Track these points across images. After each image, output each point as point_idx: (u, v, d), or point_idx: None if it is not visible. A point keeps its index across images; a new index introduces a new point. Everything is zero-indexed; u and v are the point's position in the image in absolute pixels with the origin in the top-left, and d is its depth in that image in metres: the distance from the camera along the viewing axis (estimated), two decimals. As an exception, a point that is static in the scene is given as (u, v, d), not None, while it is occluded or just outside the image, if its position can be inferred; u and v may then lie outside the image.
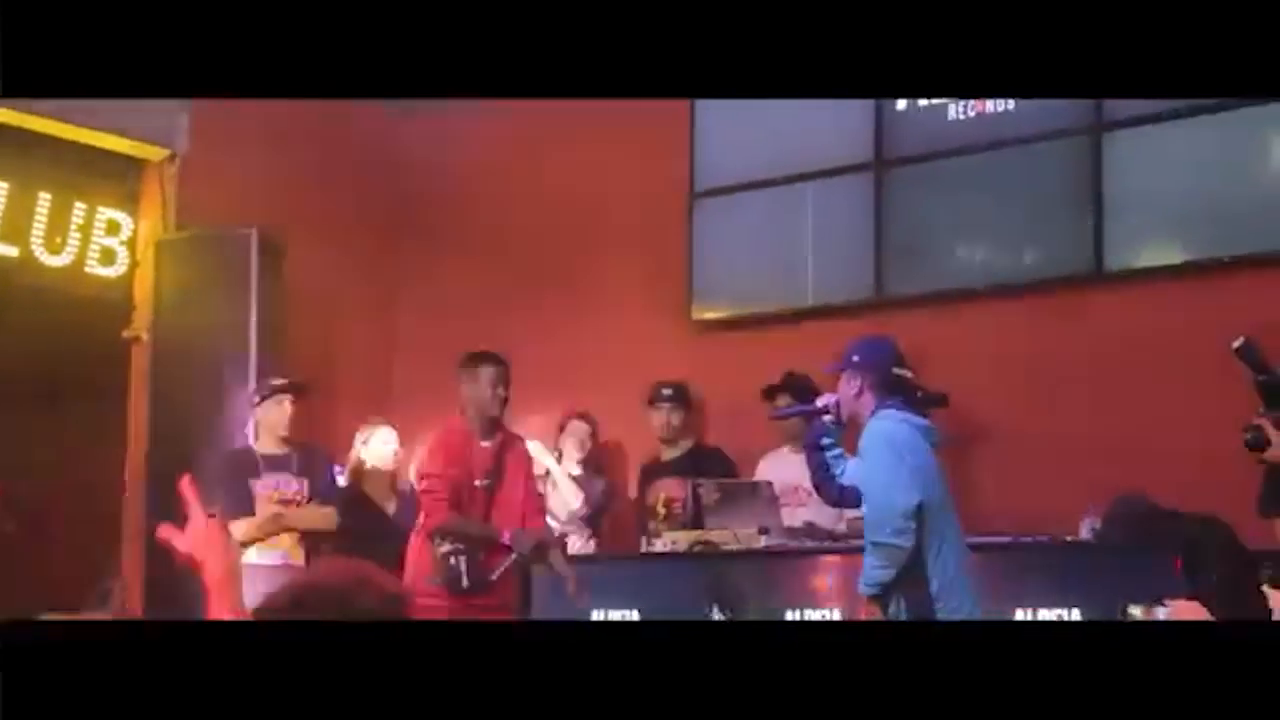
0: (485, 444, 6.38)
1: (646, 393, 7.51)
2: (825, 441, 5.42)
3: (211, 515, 2.83)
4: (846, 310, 7.51)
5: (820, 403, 5.43)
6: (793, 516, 6.77)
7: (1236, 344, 4.46)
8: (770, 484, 6.75)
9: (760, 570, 6.36)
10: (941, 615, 4.94)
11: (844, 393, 5.27)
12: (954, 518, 5.15)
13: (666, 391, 7.47)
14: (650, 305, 8.04)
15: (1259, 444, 4.33)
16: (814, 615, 6.15)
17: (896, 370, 5.33)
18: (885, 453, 5.08)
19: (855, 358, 5.28)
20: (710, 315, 7.96)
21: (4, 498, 8.24)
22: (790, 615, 6.15)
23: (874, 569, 5.05)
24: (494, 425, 6.40)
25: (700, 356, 7.76)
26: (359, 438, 7.32)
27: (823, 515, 6.77)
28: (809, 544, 6.57)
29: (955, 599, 4.99)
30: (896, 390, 5.28)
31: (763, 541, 6.43)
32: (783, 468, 7.02)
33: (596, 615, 6.46)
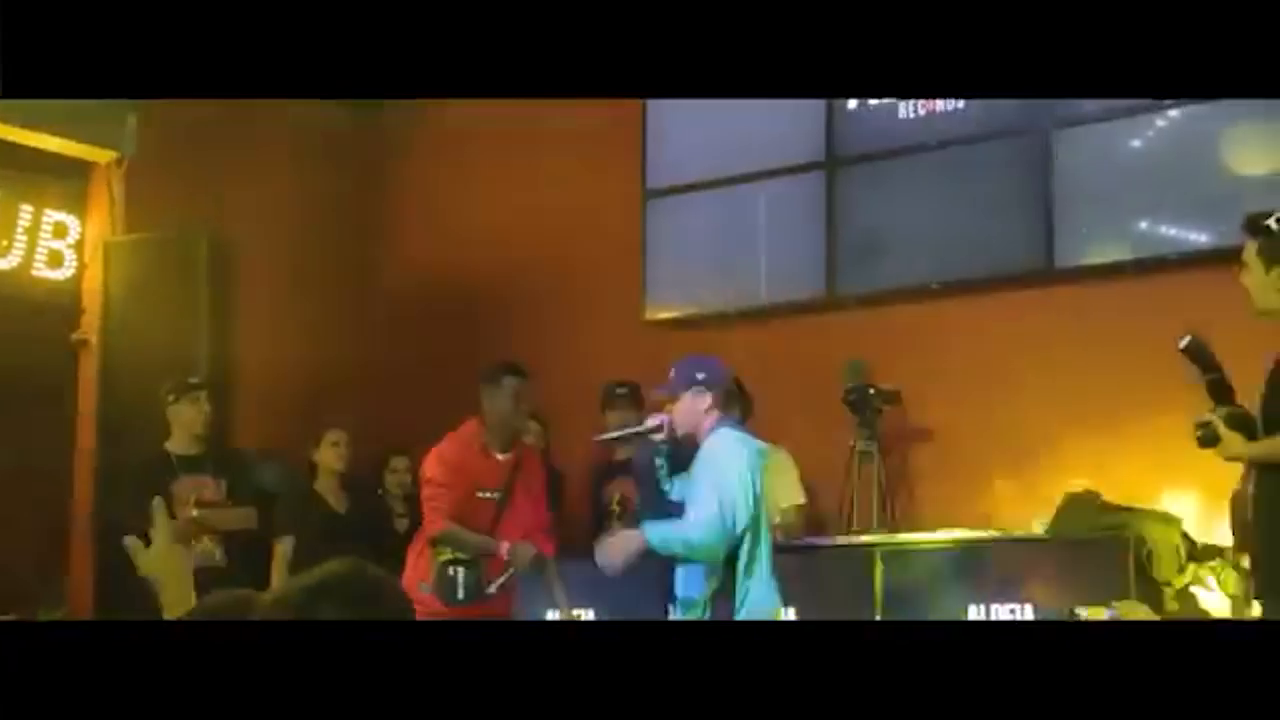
0: (500, 457, 6.13)
1: (600, 393, 7.32)
2: (659, 462, 5.28)
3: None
4: (799, 308, 7.51)
5: (652, 422, 5.26)
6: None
7: (1183, 342, 4.42)
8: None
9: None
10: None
11: (689, 411, 5.13)
12: (767, 533, 5.10)
13: (620, 391, 7.25)
14: (603, 306, 7.98)
15: (1210, 441, 4.29)
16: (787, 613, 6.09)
17: (731, 388, 5.37)
18: (729, 468, 5.02)
19: (700, 376, 5.18)
20: (664, 315, 7.90)
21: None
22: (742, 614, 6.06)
23: (669, 535, 4.98)
24: (513, 438, 6.16)
25: (654, 356, 7.60)
26: (312, 440, 7.17)
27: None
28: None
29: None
30: (731, 408, 5.31)
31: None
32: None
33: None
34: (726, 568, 4.95)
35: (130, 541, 2.75)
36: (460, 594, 5.93)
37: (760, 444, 5.22)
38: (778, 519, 6.37)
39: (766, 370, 7.10)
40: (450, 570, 5.98)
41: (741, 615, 4.92)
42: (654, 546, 4.98)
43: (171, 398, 6.74)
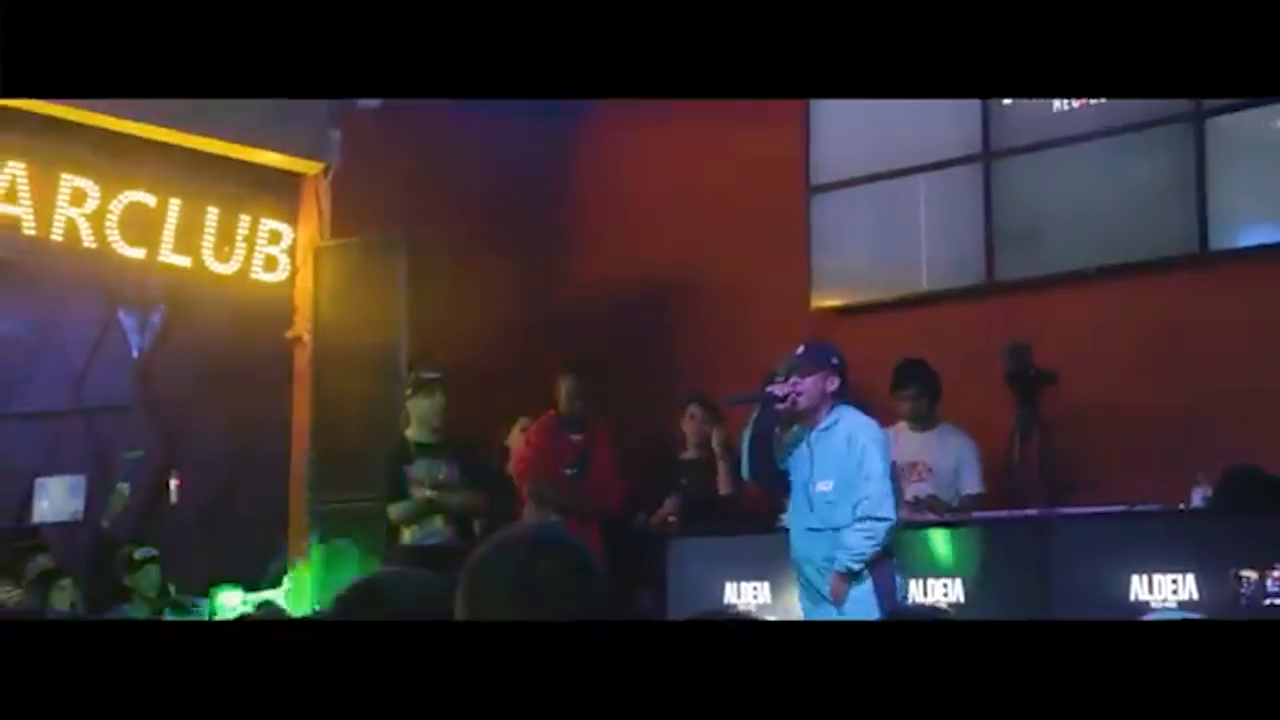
0: (575, 437, 6.85)
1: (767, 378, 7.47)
2: (776, 430, 5.51)
3: None
4: (959, 295, 7.52)
5: (780, 392, 5.42)
6: (912, 491, 6.72)
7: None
8: (893, 463, 6.70)
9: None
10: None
11: (816, 389, 5.40)
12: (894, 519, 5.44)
13: (776, 374, 7.39)
14: (773, 295, 8.03)
15: None
16: (935, 584, 6.14)
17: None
18: (880, 440, 5.40)
19: (834, 360, 5.50)
20: (830, 303, 7.94)
21: (183, 488, 8.53)
22: (912, 585, 6.09)
23: (864, 543, 5.28)
24: (581, 421, 6.92)
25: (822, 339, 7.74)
26: (505, 426, 7.49)
27: (939, 487, 6.77)
28: (930, 517, 6.53)
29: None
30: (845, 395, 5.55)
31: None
32: (902, 445, 6.90)
33: (729, 588, 6.54)
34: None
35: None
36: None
37: (872, 420, 5.53)
38: (956, 504, 6.64)
39: (928, 354, 7.08)
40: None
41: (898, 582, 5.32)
42: (853, 566, 5.26)
43: (409, 391, 7.04)
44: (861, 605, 5.24)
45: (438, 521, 6.79)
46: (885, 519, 5.31)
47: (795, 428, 5.52)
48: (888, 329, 7.60)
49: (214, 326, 8.22)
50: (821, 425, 5.44)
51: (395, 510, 6.78)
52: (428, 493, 6.79)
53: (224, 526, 8.41)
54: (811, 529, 5.43)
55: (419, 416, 6.97)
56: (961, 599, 6.05)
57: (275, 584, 7.89)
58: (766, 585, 6.45)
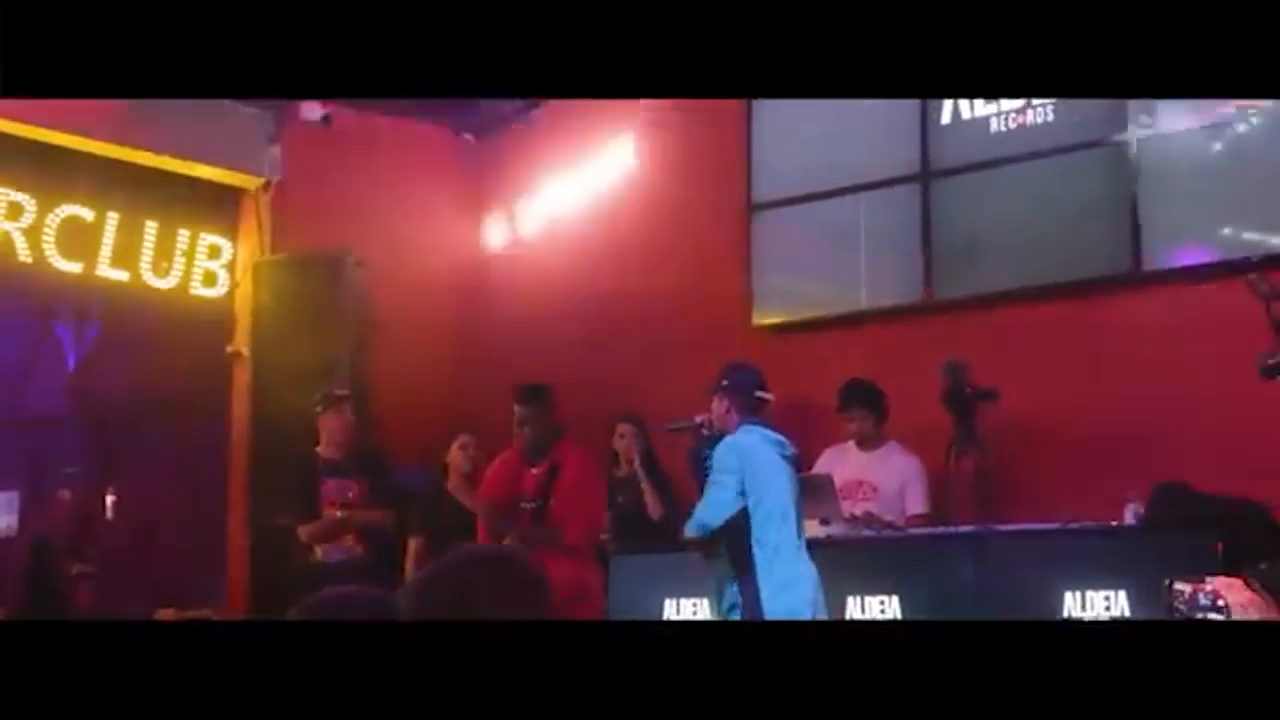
0: (534, 470, 6.50)
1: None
2: (705, 453, 5.75)
3: None
4: (898, 313, 7.56)
5: (698, 420, 5.82)
6: (854, 509, 6.78)
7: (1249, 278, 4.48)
8: (830, 477, 6.73)
9: (820, 559, 6.33)
10: (774, 613, 5.47)
11: (719, 410, 5.75)
12: (795, 525, 5.68)
13: (725, 381, 7.37)
14: (713, 312, 8.07)
15: (1276, 372, 4.35)
16: (872, 600, 6.18)
17: (758, 394, 5.86)
18: (719, 455, 5.64)
19: (725, 382, 5.81)
20: (770, 320, 7.98)
21: (119, 505, 8.45)
22: (850, 601, 6.17)
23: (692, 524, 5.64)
24: (541, 449, 6.51)
25: (761, 360, 7.65)
26: (447, 442, 7.42)
27: (883, 507, 6.82)
28: (867, 533, 6.58)
29: (787, 600, 5.50)
30: (758, 410, 5.81)
31: (824, 531, 6.43)
32: (846, 464, 7.03)
33: (668, 605, 6.58)
34: (742, 549, 5.54)
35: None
36: None
37: (777, 437, 5.76)
38: (900, 523, 6.69)
39: (868, 371, 7.18)
40: None
41: (767, 595, 5.46)
42: (691, 534, 5.62)
43: (319, 408, 7.00)
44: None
45: (348, 540, 6.81)
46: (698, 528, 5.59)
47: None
48: (828, 346, 7.66)
49: (152, 341, 8.12)
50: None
51: (306, 530, 6.78)
52: (338, 512, 6.82)
53: (161, 544, 8.33)
54: None
55: (329, 433, 6.97)
56: (899, 614, 6.09)
57: (213, 603, 7.86)
58: (705, 602, 6.39)
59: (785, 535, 5.61)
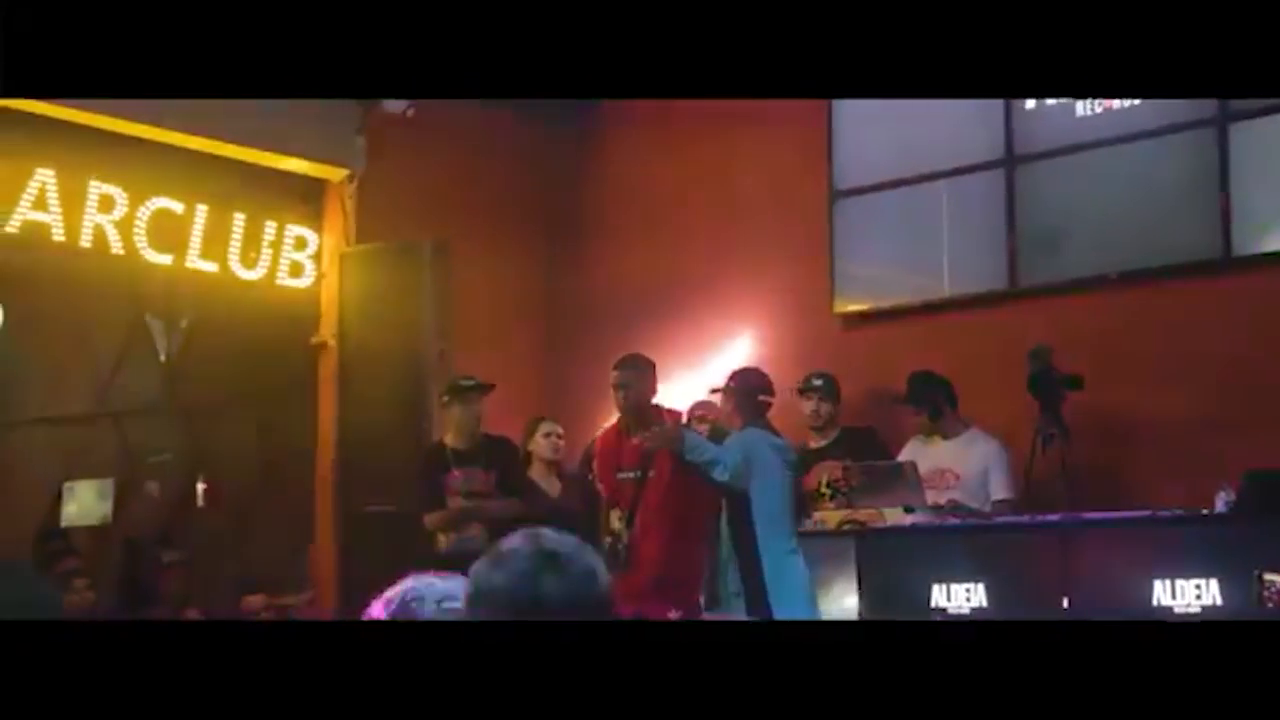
0: (633, 439, 6.40)
1: (795, 383, 7.44)
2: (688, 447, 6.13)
3: None
4: (982, 300, 7.52)
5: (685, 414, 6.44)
6: (938, 497, 6.74)
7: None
8: (913, 464, 6.72)
9: (906, 547, 6.38)
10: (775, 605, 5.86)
11: (721, 410, 6.35)
12: (789, 525, 6.14)
13: (817, 382, 7.40)
14: (795, 300, 8.06)
15: None
16: (958, 588, 6.15)
17: (761, 397, 6.30)
18: (728, 453, 6.08)
19: (731, 384, 6.35)
20: (852, 308, 7.96)
21: (210, 492, 8.57)
22: (935, 589, 6.15)
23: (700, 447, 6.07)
24: (641, 419, 6.39)
25: (842, 348, 7.78)
26: (527, 430, 7.44)
27: (967, 494, 6.78)
28: (952, 521, 6.54)
29: (785, 593, 5.92)
30: (761, 413, 6.29)
31: (908, 519, 6.43)
32: (928, 452, 7.00)
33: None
34: (746, 540, 6.00)
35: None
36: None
37: (780, 441, 6.27)
38: (986, 509, 6.70)
39: (951, 359, 7.15)
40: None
41: (769, 583, 5.89)
42: (686, 447, 6.01)
43: (446, 398, 6.99)
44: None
45: (474, 529, 6.76)
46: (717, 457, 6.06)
47: None
48: (910, 334, 7.63)
49: (240, 332, 8.21)
50: None
51: (432, 519, 6.77)
52: (463, 502, 6.81)
53: (251, 531, 8.43)
54: None
55: (457, 424, 6.95)
56: (984, 603, 6.06)
57: (301, 590, 7.94)
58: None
59: (779, 535, 6.04)
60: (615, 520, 6.34)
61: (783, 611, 5.85)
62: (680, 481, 6.33)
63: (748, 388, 6.31)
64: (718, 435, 6.31)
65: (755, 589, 5.96)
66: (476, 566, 2.23)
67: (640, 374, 6.43)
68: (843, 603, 6.35)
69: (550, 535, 2.23)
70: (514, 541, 2.25)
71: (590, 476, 6.93)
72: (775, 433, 6.35)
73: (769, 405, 6.36)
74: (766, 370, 6.77)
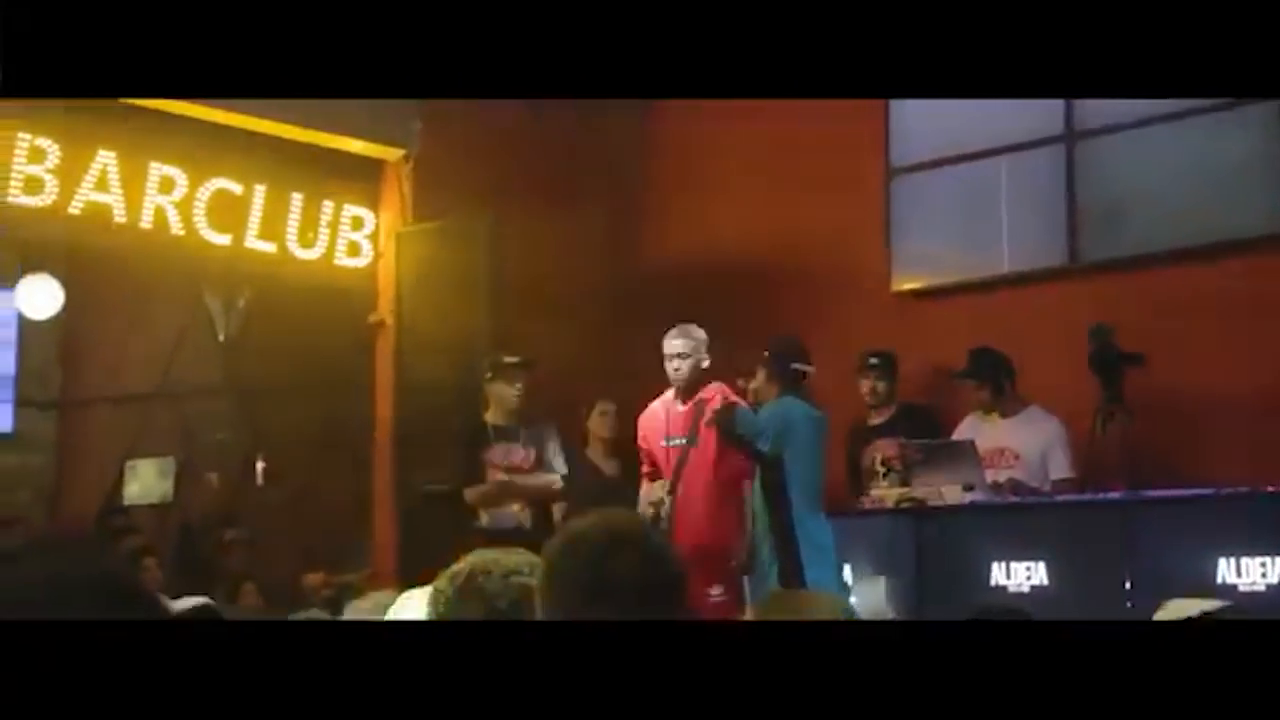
0: (681, 407, 6.44)
1: (853, 361, 7.45)
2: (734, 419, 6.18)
3: None
4: (1042, 277, 7.46)
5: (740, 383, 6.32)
6: (997, 476, 6.70)
7: None
8: (972, 442, 6.68)
9: (966, 525, 6.35)
10: (811, 578, 5.85)
11: (756, 380, 6.31)
12: (819, 504, 6.19)
13: (874, 360, 7.39)
14: (853, 277, 8.03)
15: None
16: (1018, 567, 6.13)
17: (796, 365, 6.34)
18: (763, 423, 6.16)
19: (766, 353, 6.35)
20: (910, 286, 7.92)
21: (271, 473, 8.63)
22: (995, 568, 6.14)
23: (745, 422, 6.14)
24: (690, 388, 6.43)
25: (900, 325, 7.74)
26: (585, 410, 7.50)
27: (1027, 474, 6.74)
28: (1012, 499, 6.53)
29: (819, 568, 5.95)
30: (797, 382, 6.33)
31: (967, 498, 6.40)
32: (986, 431, 6.94)
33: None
34: (783, 513, 6.02)
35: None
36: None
37: (816, 412, 6.29)
38: (1045, 488, 6.65)
39: (1010, 337, 7.09)
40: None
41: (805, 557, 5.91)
42: (736, 421, 6.10)
43: (489, 374, 7.00)
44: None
45: (515, 505, 6.79)
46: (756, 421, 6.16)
47: None
48: (968, 311, 7.59)
49: (298, 312, 8.27)
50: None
51: (471, 493, 6.81)
52: (502, 476, 6.83)
53: (310, 509, 8.49)
54: None
55: (498, 400, 6.98)
56: (1045, 581, 6.03)
57: (360, 568, 7.96)
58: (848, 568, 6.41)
59: (812, 504, 6.10)
60: (659, 488, 6.35)
61: (815, 579, 5.84)
62: (724, 451, 6.37)
63: (783, 356, 6.31)
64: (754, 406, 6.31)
65: (790, 558, 5.96)
66: (549, 546, 2.22)
67: (694, 345, 6.45)
68: (902, 580, 6.34)
69: (622, 515, 2.25)
70: (585, 522, 2.23)
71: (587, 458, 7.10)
72: (812, 403, 6.33)
73: (805, 375, 6.34)
74: (823, 349, 6.75)
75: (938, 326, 7.64)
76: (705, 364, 6.47)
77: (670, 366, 6.44)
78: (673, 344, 6.45)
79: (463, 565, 2.50)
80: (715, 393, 6.48)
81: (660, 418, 6.53)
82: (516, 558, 2.51)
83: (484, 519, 6.78)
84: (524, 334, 7.68)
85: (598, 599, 2.08)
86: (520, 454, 6.91)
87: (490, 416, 7.01)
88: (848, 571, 6.36)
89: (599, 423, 7.45)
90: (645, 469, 6.66)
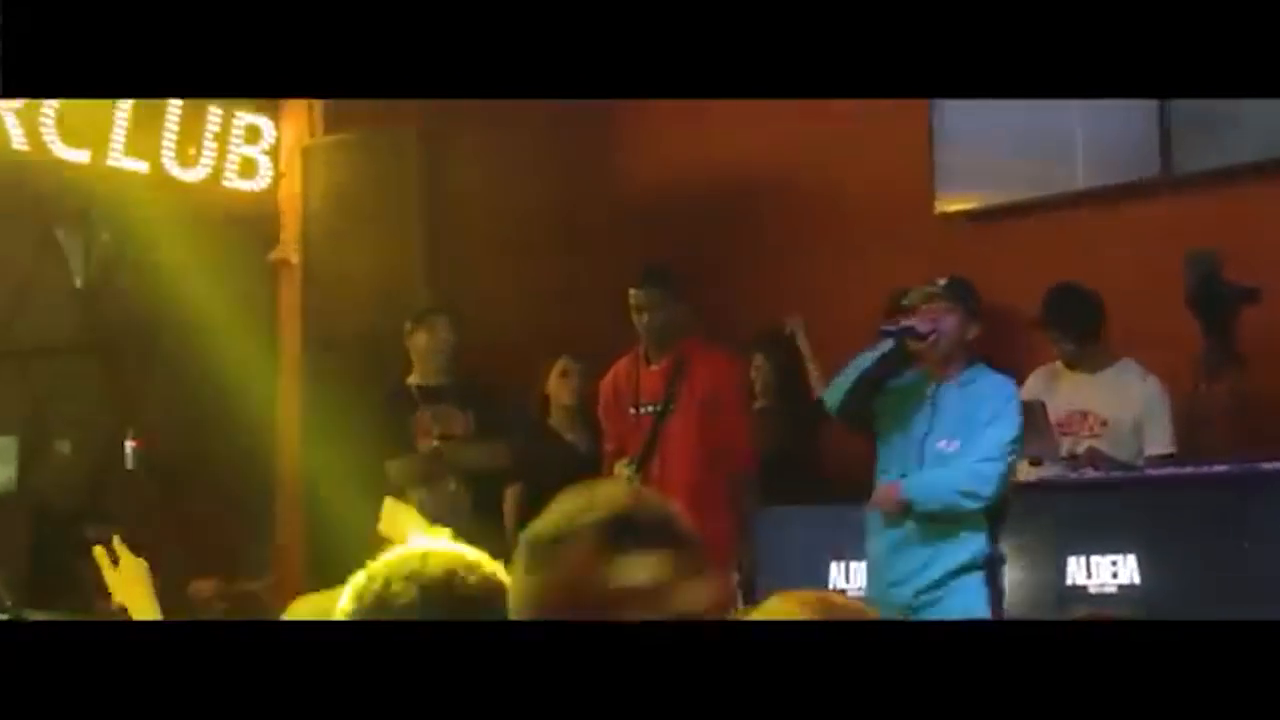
0: (653, 366, 6.53)
1: (884, 303, 7.28)
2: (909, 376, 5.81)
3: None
4: (1125, 193, 7.48)
5: (923, 328, 5.70)
6: (1075, 446, 6.71)
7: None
8: (1041, 404, 6.64)
9: (1034, 509, 6.24)
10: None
11: (957, 334, 5.73)
12: None
13: (906, 302, 7.07)
14: (888, 197, 8.01)
15: None
16: (1101, 561, 6.15)
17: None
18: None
19: (977, 304, 5.86)
20: (958, 206, 7.95)
21: (142, 451, 8.52)
22: (1071, 562, 6.15)
23: (947, 497, 5.60)
24: (664, 343, 6.52)
25: (948, 255, 7.57)
26: (544, 370, 7.51)
27: (1114, 445, 6.70)
28: (1092, 475, 6.52)
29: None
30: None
31: (1034, 474, 6.41)
32: (1062, 389, 6.94)
33: (834, 568, 6.56)
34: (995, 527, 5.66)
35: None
36: None
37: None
38: (1139, 462, 6.67)
39: (1085, 270, 7.07)
40: None
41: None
42: (913, 499, 5.60)
43: (409, 326, 7.10)
44: (968, 596, 5.58)
45: (450, 483, 6.86)
46: (983, 499, 5.57)
47: (910, 372, 5.81)
48: (1033, 237, 7.60)
49: (178, 249, 8.06)
50: (956, 380, 5.74)
51: (396, 467, 6.80)
52: (435, 443, 6.89)
53: (195, 500, 8.44)
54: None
55: (422, 356, 7.07)
56: (1135, 579, 6.05)
57: (262, 573, 8.05)
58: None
59: None
60: (622, 469, 6.41)
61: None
62: (715, 415, 6.42)
63: (970, 294, 5.90)
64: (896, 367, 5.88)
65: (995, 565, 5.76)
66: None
67: (665, 292, 6.53)
68: None
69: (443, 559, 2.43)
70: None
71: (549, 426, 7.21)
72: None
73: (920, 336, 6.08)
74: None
75: (993, 258, 7.56)
76: (683, 318, 6.55)
77: (638, 321, 6.54)
78: (636, 293, 6.54)
79: (370, 580, 2.53)
80: (696, 350, 6.55)
81: (626, 381, 6.61)
82: (442, 558, 2.53)
83: (414, 501, 6.59)
84: (464, 275, 7.74)
85: (598, 595, 2.16)
86: (458, 418, 6.98)
87: (415, 376, 7.10)
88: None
89: (560, 386, 7.50)
90: (608, 445, 6.76)
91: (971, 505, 5.56)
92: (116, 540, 3.38)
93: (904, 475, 5.67)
